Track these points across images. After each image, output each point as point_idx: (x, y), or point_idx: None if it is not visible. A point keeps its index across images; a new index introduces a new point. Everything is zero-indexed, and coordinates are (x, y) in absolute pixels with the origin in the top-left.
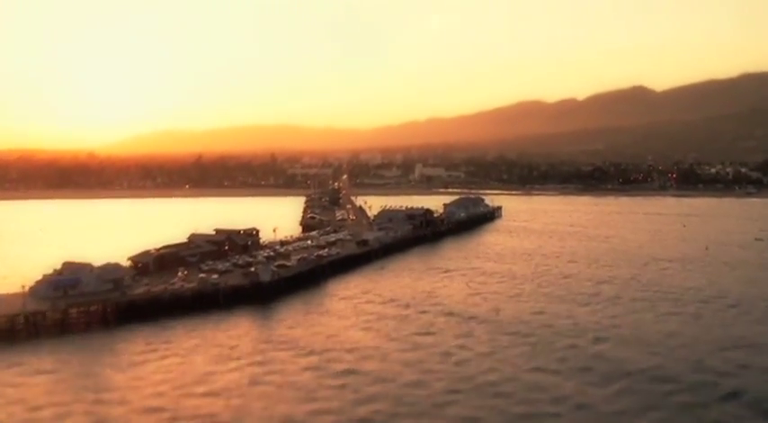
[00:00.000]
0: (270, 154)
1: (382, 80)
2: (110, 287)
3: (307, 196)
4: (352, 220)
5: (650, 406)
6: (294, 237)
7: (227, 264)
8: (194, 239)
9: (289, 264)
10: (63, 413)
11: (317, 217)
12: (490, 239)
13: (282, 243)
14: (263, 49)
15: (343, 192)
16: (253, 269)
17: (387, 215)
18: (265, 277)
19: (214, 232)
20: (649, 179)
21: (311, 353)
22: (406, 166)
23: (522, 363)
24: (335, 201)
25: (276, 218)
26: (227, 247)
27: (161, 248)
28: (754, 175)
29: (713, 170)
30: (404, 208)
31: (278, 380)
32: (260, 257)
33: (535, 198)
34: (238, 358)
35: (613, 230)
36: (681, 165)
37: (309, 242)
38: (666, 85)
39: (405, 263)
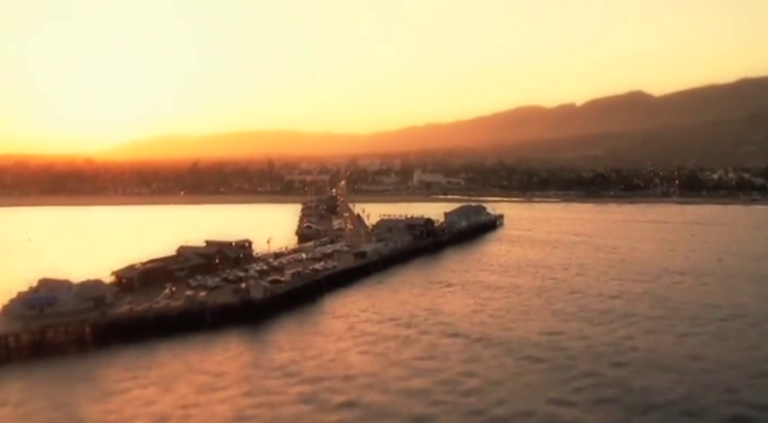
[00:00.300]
0: (267, 160)
1: (381, 85)
2: (90, 305)
3: (303, 204)
4: (350, 229)
5: None
6: (289, 248)
7: (217, 279)
8: (183, 252)
9: (282, 279)
10: None
11: (314, 226)
12: (493, 250)
13: (276, 255)
14: (261, 55)
15: (341, 199)
16: (243, 285)
17: (386, 225)
18: (257, 294)
19: (204, 244)
20: (651, 185)
21: (305, 381)
22: (405, 173)
23: (537, 393)
24: (333, 209)
25: (272, 226)
26: (217, 261)
27: (147, 262)
28: (758, 181)
29: (715, 176)
30: (403, 217)
31: (267, 415)
32: (252, 271)
33: (536, 205)
34: (225, 388)
35: (620, 240)
36: (682, 171)
37: (304, 255)
38: (665, 90)
39: (405, 276)
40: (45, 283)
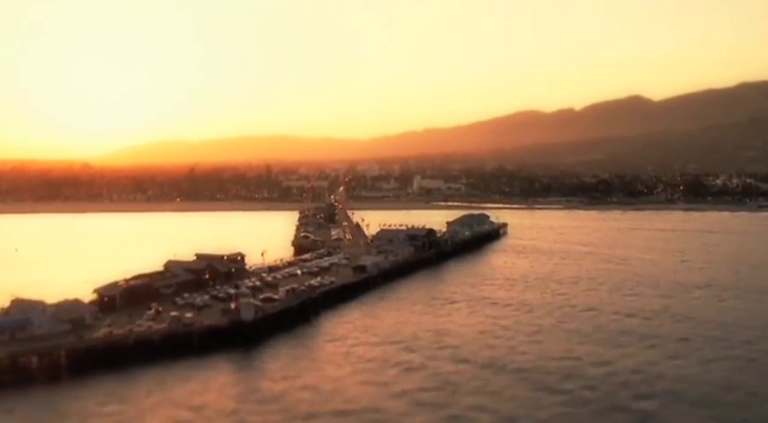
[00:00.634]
0: (265, 165)
1: (379, 90)
2: (67, 328)
3: (300, 212)
4: (349, 239)
5: None
6: (285, 261)
7: (206, 297)
8: (171, 267)
9: (276, 297)
10: None
11: (311, 237)
12: (498, 261)
13: (271, 269)
14: (260, 60)
15: (340, 206)
16: (233, 305)
17: (386, 235)
18: (247, 316)
19: (194, 257)
20: (655, 192)
21: (296, 417)
22: (404, 178)
23: None
24: (331, 217)
25: (268, 235)
26: (207, 276)
27: (132, 279)
28: (764, 186)
29: (719, 181)
30: (404, 227)
31: None
32: (244, 288)
33: (539, 212)
34: None
35: (629, 250)
36: (686, 176)
37: (299, 272)
38: (664, 94)
39: (406, 291)
40: (17, 304)
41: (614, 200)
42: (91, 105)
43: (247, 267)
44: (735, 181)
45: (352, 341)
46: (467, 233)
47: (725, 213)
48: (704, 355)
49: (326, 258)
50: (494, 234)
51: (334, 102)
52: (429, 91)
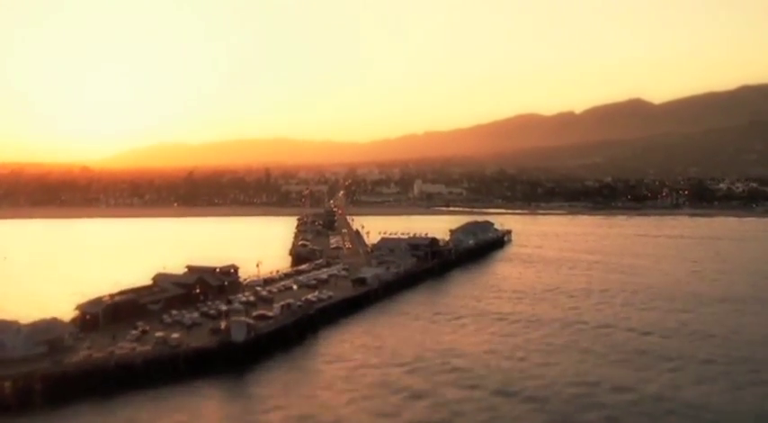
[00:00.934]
0: (264, 169)
1: (380, 93)
2: (43, 351)
3: (299, 218)
4: (348, 248)
5: None
6: (281, 272)
7: (196, 314)
8: (159, 281)
9: (270, 314)
10: None
11: (309, 245)
12: (504, 271)
13: (266, 281)
14: (261, 63)
15: (339, 212)
16: (223, 325)
17: (387, 245)
18: (238, 336)
19: (186, 269)
20: (660, 196)
21: None
22: (405, 182)
23: None
24: (330, 224)
25: (265, 242)
26: (198, 291)
27: (117, 294)
28: None
29: (723, 186)
30: (406, 235)
31: None
32: (237, 303)
33: (542, 218)
34: None
35: (638, 259)
36: (691, 180)
37: (295, 288)
38: (664, 97)
39: (409, 305)
40: None
41: (619, 205)
42: (92, 108)
43: (241, 280)
44: (738, 185)
45: (352, 363)
46: (471, 241)
47: (732, 219)
48: (733, 380)
49: (325, 269)
50: (498, 242)
51: (334, 105)
52: (429, 94)
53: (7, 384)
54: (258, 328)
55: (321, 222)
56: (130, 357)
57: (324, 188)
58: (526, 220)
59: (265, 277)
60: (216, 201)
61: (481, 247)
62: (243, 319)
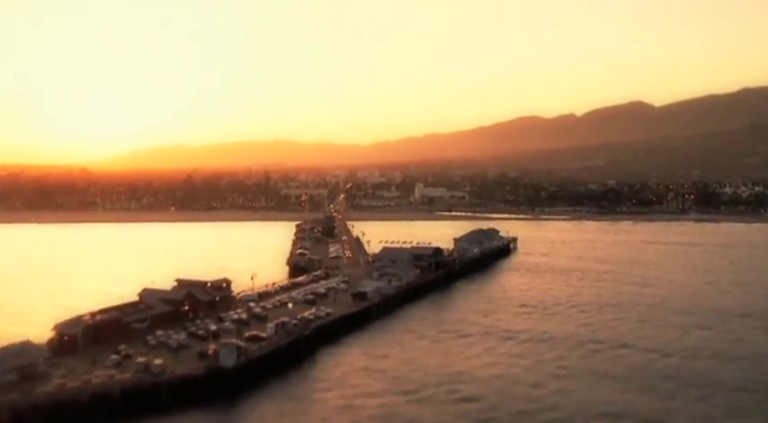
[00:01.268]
0: (264, 171)
1: (380, 96)
2: (12, 379)
3: (297, 225)
4: (348, 257)
5: None
6: (277, 284)
7: (183, 335)
8: (145, 297)
9: (263, 335)
10: None
11: (308, 254)
12: (510, 282)
13: (261, 296)
14: (261, 64)
15: (339, 217)
16: (211, 350)
17: (389, 255)
18: (228, 362)
19: (175, 282)
20: (665, 201)
21: None
22: (406, 186)
23: None
24: (330, 231)
25: (262, 249)
26: (187, 307)
27: (99, 312)
28: None
29: (728, 190)
30: (408, 245)
31: None
32: (228, 322)
33: (547, 224)
34: None
35: (650, 269)
36: (697, 184)
37: (290, 306)
38: (665, 100)
39: (412, 321)
40: None
41: (624, 209)
42: (92, 109)
43: (234, 294)
44: (742, 189)
45: (352, 390)
46: (476, 250)
47: (740, 224)
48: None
49: (323, 282)
50: (504, 250)
51: (334, 107)
52: (430, 96)
53: None
54: (250, 352)
55: (320, 229)
56: (108, 386)
57: (324, 192)
58: (530, 225)
59: (260, 291)
60: (214, 204)
61: (487, 256)
62: (233, 341)
